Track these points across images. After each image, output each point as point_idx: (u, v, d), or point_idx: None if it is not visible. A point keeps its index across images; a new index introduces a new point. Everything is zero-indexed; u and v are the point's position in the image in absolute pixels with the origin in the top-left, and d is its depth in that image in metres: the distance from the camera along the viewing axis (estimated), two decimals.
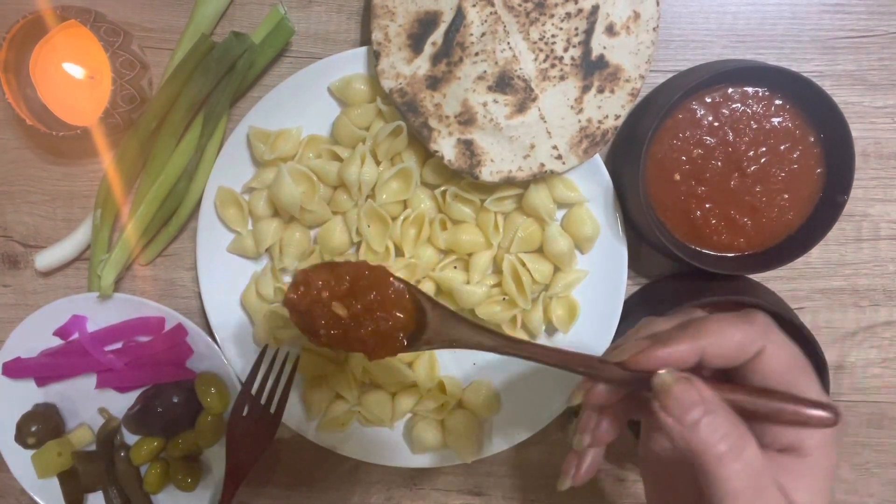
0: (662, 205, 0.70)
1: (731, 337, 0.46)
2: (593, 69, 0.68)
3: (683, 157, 0.69)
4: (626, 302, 0.74)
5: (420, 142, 0.71)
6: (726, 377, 0.49)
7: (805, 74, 0.64)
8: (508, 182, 0.70)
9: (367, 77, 0.73)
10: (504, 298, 0.74)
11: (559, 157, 0.69)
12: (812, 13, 0.73)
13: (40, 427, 0.78)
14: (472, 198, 0.73)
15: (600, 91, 0.68)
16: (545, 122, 0.68)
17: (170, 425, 0.77)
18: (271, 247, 0.75)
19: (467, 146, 0.68)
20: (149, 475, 0.78)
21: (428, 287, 0.75)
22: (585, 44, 0.67)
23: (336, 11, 0.75)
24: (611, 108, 0.69)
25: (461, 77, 0.68)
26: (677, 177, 0.69)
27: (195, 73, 0.71)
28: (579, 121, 0.69)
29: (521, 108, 0.68)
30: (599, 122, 0.69)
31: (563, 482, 0.52)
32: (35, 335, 0.78)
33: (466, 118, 0.68)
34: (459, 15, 0.67)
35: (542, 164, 0.69)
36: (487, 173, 0.69)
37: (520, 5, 0.67)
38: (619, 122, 0.69)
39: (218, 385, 0.76)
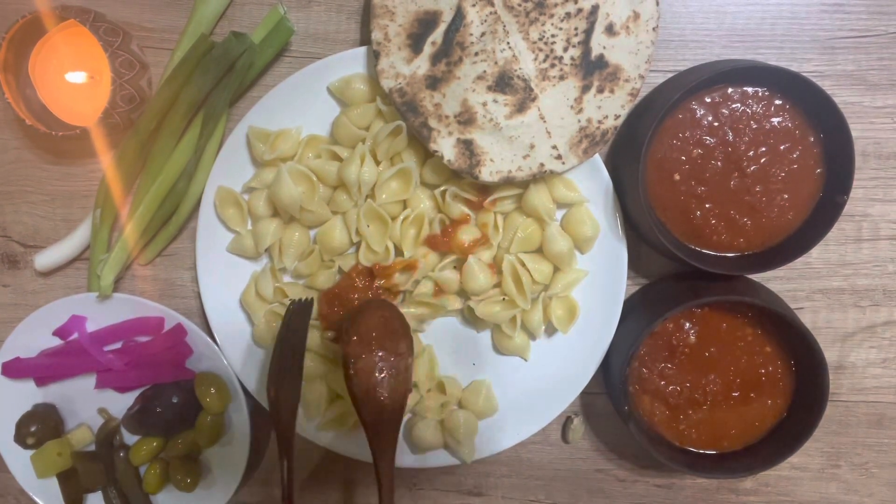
0: (662, 205, 0.70)
1: None
2: (593, 69, 0.68)
3: (683, 157, 0.69)
4: (625, 302, 0.74)
5: (420, 142, 0.71)
6: None
7: (805, 74, 0.64)
8: (508, 182, 0.70)
9: (367, 77, 0.73)
10: (504, 298, 0.74)
11: (559, 157, 0.69)
12: (812, 13, 0.73)
13: (40, 427, 0.78)
14: (472, 198, 0.73)
15: (600, 91, 0.68)
16: (545, 121, 0.68)
17: (169, 425, 0.77)
18: (271, 247, 0.75)
19: (467, 146, 0.68)
20: (148, 475, 0.78)
21: (428, 287, 0.75)
22: (585, 44, 0.67)
23: (336, 11, 0.75)
24: (611, 108, 0.69)
25: (461, 77, 0.68)
26: (677, 177, 0.69)
27: (195, 72, 0.71)
28: (579, 121, 0.69)
29: (520, 108, 0.68)
30: (599, 122, 0.69)
31: None
32: (34, 335, 0.78)
33: (466, 118, 0.68)
34: (459, 15, 0.67)
35: (542, 164, 0.69)
36: (487, 173, 0.69)
37: (519, 5, 0.67)
38: (619, 122, 0.69)
39: (217, 385, 0.76)
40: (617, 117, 0.69)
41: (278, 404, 0.67)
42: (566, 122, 0.69)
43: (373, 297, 0.74)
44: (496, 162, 0.69)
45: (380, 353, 0.65)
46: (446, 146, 0.69)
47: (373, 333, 0.66)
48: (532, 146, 0.69)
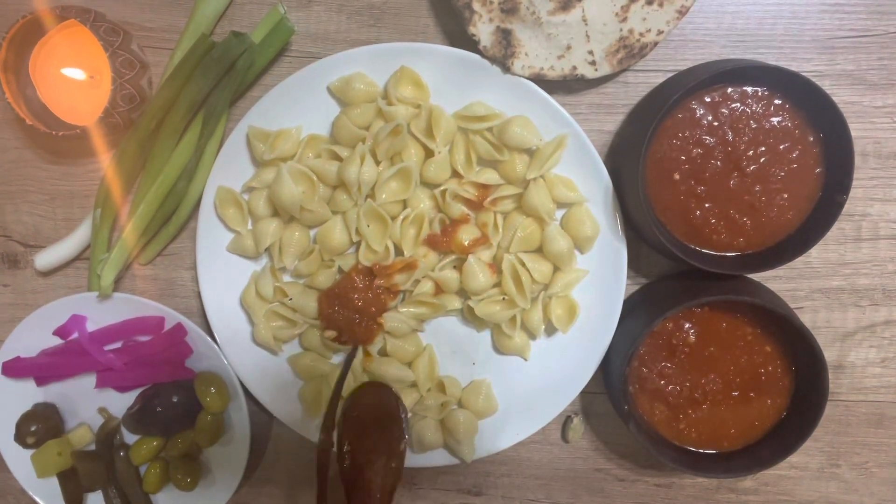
0: (662, 204, 0.70)
1: None
2: None
3: (683, 157, 0.69)
4: (625, 302, 0.74)
5: (422, 142, 0.72)
6: None
7: (804, 74, 0.64)
8: (538, 79, 0.70)
9: (367, 76, 0.73)
10: (503, 298, 0.74)
11: (593, 62, 0.69)
12: (811, 13, 0.73)
13: (40, 427, 0.78)
14: (472, 197, 0.73)
15: (649, 3, 0.68)
16: (586, 24, 0.68)
17: (169, 425, 0.77)
18: (271, 246, 0.75)
19: (505, 35, 0.68)
20: (148, 475, 0.78)
21: (427, 287, 0.75)
22: None
23: (336, 11, 0.75)
24: (655, 22, 0.69)
25: None
26: (677, 176, 0.69)
27: (195, 72, 0.71)
28: (621, 30, 0.69)
29: (565, 7, 0.68)
30: (641, 34, 0.69)
31: None
32: (35, 335, 0.78)
33: (510, 6, 0.68)
34: None
35: (575, 67, 0.70)
36: (519, 66, 0.69)
37: None
38: (661, 38, 0.69)
39: (217, 384, 0.76)
40: (660, 32, 0.69)
41: (324, 450, 0.65)
42: (608, 29, 0.69)
43: (369, 380, 0.72)
44: (530, 57, 0.69)
45: (372, 441, 0.63)
46: (484, 32, 0.69)
47: (366, 420, 0.65)
48: (569, 47, 0.69)
